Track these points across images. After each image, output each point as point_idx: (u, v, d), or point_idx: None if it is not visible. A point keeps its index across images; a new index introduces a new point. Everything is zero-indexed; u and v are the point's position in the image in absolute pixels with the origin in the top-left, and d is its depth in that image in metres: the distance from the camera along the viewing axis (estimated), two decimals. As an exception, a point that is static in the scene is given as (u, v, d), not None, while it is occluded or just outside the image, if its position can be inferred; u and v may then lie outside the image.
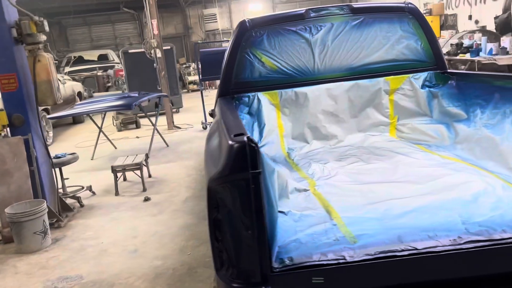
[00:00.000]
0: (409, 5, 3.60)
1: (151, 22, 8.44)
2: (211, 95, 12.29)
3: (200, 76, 8.42)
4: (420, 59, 3.61)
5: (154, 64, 8.72)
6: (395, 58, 3.59)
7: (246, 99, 3.47)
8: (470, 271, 1.72)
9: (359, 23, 3.54)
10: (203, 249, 3.48)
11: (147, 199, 4.81)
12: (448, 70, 3.57)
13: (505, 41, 7.23)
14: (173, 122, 9.22)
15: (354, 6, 3.56)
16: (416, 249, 1.72)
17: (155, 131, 7.11)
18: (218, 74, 8.43)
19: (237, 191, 1.56)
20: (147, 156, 5.53)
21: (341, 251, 1.75)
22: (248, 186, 1.55)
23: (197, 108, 12.15)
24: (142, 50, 11.03)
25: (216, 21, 19.08)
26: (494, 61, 6.76)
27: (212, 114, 3.65)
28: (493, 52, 7.11)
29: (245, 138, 1.54)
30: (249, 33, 3.51)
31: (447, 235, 1.78)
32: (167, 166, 6.16)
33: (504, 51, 7.08)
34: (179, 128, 9.16)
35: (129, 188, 5.34)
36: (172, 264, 3.29)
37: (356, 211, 2.14)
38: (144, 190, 5.14)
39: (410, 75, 3.56)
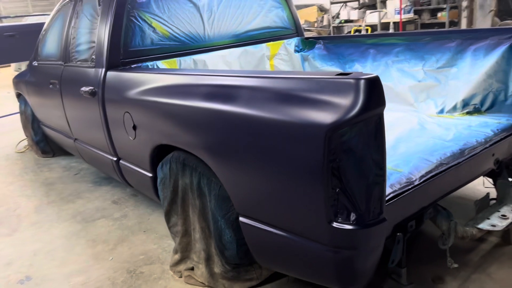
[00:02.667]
0: (272, -25, 3.87)
1: None
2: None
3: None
4: (286, 26, 3.96)
5: None
6: (269, 25, 3.82)
7: (145, 69, 3.06)
8: (480, 170, 2.21)
9: (237, -11, 3.60)
10: (123, 249, 2.94)
11: (-25, 221, 3.59)
12: (309, 36, 4.06)
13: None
14: None
15: (230, -28, 3.57)
16: (447, 164, 2.05)
17: None
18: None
19: (373, 128, 1.50)
20: None
21: (402, 180, 1.91)
22: (381, 121, 1.52)
23: None
24: None
25: None
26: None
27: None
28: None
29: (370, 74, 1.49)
30: (133, -6, 3.07)
31: (451, 151, 2.17)
32: (-39, 179, 4.65)
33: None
34: None
35: None
36: (102, 274, 2.66)
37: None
38: (-43, 212, 3.80)
39: (285, 41, 3.87)
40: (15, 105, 8.61)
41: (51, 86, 3.90)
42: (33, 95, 4.60)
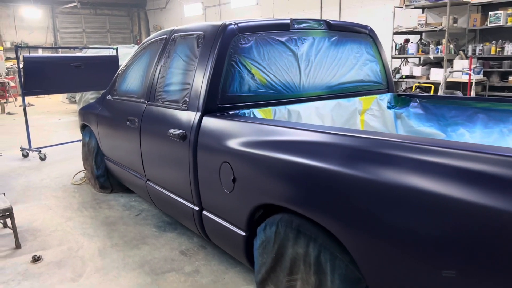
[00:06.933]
0: (369, 27, 3.70)
1: None
2: None
3: (23, 88, 6.54)
4: (379, 81, 3.74)
5: None
6: (363, 79, 3.62)
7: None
8: None
9: (335, 40, 3.42)
10: (201, 313, 2.63)
11: (37, 259, 3.37)
12: (401, 93, 3.81)
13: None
14: (-28, 150, 6.92)
15: (330, 22, 3.42)
16: None
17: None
18: (48, 87, 6.84)
19: None
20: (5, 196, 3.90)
21: None
22: None
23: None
24: None
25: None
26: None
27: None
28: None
29: None
30: (236, 39, 2.92)
31: None
32: (19, 209, 4.50)
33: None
34: (-17, 157, 6.93)
35: (-16, 246, 3.64)
36: None
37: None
38: (18, 246, 3.60)
39: (377, 96, 3.63)
40: (67, 133, 8.67)
41: (128, 122, 3.76)
42: (103, 129, 4.49)
